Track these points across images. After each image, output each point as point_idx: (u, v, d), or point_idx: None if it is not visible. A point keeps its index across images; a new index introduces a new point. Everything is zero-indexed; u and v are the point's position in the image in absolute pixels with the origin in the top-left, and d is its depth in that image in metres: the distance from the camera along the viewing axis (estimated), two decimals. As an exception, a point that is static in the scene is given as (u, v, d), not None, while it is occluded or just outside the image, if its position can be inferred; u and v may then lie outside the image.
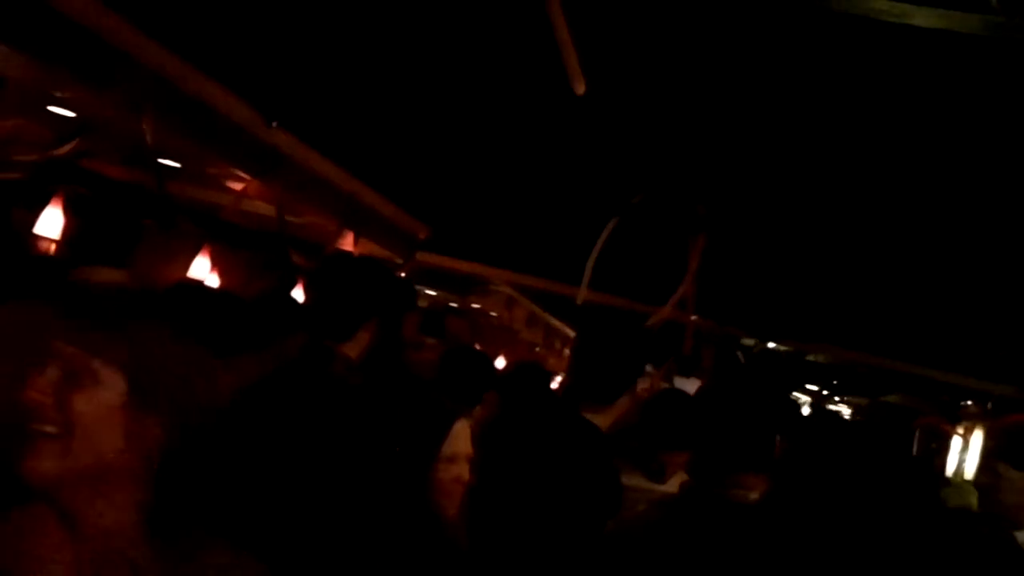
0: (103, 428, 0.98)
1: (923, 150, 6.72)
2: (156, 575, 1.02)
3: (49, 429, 0.96)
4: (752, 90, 6.56)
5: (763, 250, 8.59)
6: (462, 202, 8.64)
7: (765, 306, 9.15)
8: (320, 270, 4.18)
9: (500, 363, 9.52)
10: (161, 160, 6.74)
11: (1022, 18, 4.60)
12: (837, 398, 17.17)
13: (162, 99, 5.41)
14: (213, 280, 7.35)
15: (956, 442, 10.83)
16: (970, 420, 11.16)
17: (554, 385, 6.69)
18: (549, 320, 14.44)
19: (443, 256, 9.49)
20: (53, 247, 5.58)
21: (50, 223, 5.81)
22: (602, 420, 4.17)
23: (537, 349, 15.16)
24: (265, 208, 7.95)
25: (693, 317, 8.77)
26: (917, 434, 8.77)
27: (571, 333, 13.84)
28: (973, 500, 5.24)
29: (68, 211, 5.34)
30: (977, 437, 10.45)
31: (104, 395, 0.98)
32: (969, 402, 11.62)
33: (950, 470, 10.30)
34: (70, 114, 6.10)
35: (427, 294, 11.43)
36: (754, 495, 3.28)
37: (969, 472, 9.64)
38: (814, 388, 16.20)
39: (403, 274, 8.43)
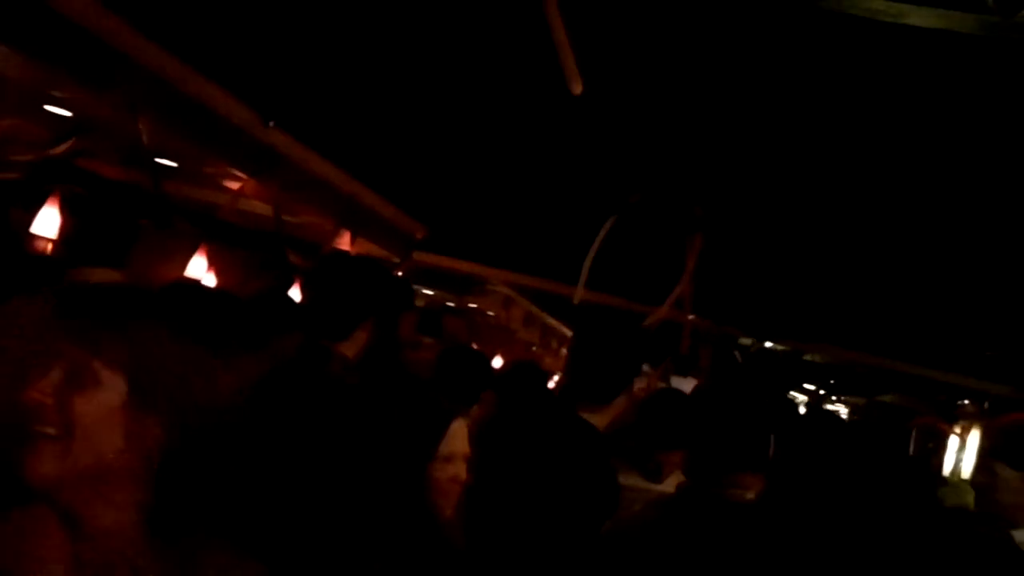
0: (103, 429, 0.98)
1: (919, 150, 6.73)
2: (156, 575, 1.02)
3: (49, 431, 0.96)
4: (748, 90, 6.56)
5: (760, 250, 8.60)
6: (459, 202, 8.64)
7: (762, 306, 9.16)
8: (317, 270, 4.18)
9: (497, 363, 9.53)
10: (157, 159, 6.74)
11: (1018, 18, 4.60)
12: (834, 398, 17.19)
13: (158, 99, 5.41)
14: (210, 280, 7.35)
15: (953, 442, 10.86)
16: (967, 420, 11.18)
17: (551, 385, 6.69)
18: (546, 320, 14.45)
19: (440, 256, 9.49)
20: (50, 247, 5.58)
21: (47, 223, 5.81)
22: (599, 420, 4.18)
23: (534, 349, 15.17)
24: (262, 208, 7.95)
25: (690, 317, 8.77)
26: (914, 433, 8.78)
27: (568, 333, 13.84)
28: (970, 499, 5.26)
29: (64, 211, 5.34)
30: (974, 437, 10.47)
31: (104, 396, 0.98)
32: (966, 402, 11.63)
33: (947, 469, 10.33)
34: (66, 113, 6.09)
35: (424, 294, 11.43)
36: (750, 495, 3.29)
37: (966, 471, 9.66)
38: (811, 388, 16.22)
39: (400, 273, 8.42)
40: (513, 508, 2.21)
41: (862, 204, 7.75)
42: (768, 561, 3.04)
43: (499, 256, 9.52)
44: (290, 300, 4.83)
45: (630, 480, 4.03)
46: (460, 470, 2.87)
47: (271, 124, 6.17)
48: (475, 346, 7.72)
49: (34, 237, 5.65)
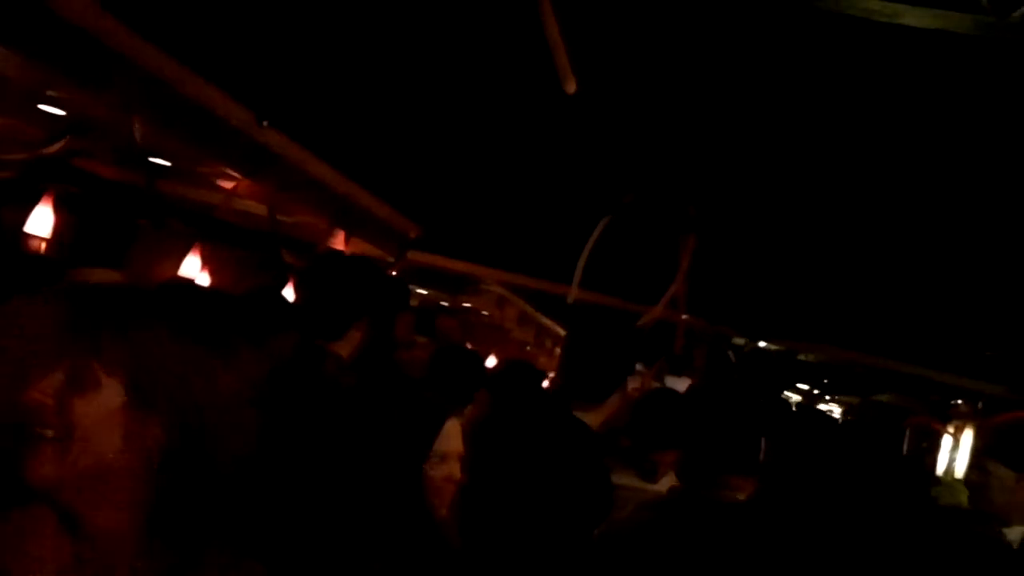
0: (103, 429, 0.98)
1: (914, 150, 6.73)
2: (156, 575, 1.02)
3: (49, 431, 0.96)
4: (743, 90, 6.56)
5: (754, 250, 8.60)
6: (453, 201, 8.64)
7: (756, 305, 9.16)
8: (311, 269, 4.18)
9: (491, 362, 9.53)
10: (152, 159, 6.73)
11: (1013, 18, 4.61)
12: (828, 397, 17.21)
13: (154, 99, 5.41)
14: (204, 279, 7.35)
15: (947, 441, 10.86)
16: (961, 419, 11.19)
17: (545, 384, 6.69)
18: (540, 319, 14.45)
19: (434, 255, 9.49)
20: (43, 245, 5.58)
21: (40, 222, 5.81)
22: (593, 419, 4.17)
23: (528, 348, 15.17)
24: (256, 207, 7.95)
25: (684, 316, 8.78)
26: (908, 433, 8.79)
27: (562, 332, 13.84)
28: (964, 499, 5.26)
29: (58, 210, 5.34)
30: (967, 436, 10.48)
31: (104, 396, 0.98)
32: (960, 401, 11.65)
33: (941, 469, 10.33)
34: (60, 112, 6.09)
35: (418, 293, 11.43)
36: (742, 497, 3.29)
37: (960, 471, 9.66)
38: (805, 387, 16.23)
39: (394, 273, 8.42)
40: (507, 507, 2.21)
41: (856, 204, 7.76)
42: (761, 562, 3.04)
43: (493, 256, 9.52)
44: (284, 300, 4.82)
45: (624, 480, 4.04)
46: (454, 469, 2.87)
47: (265, 124, 6.16)
48: (469, 345, 7.73)
49: (28, 236, 5.65)
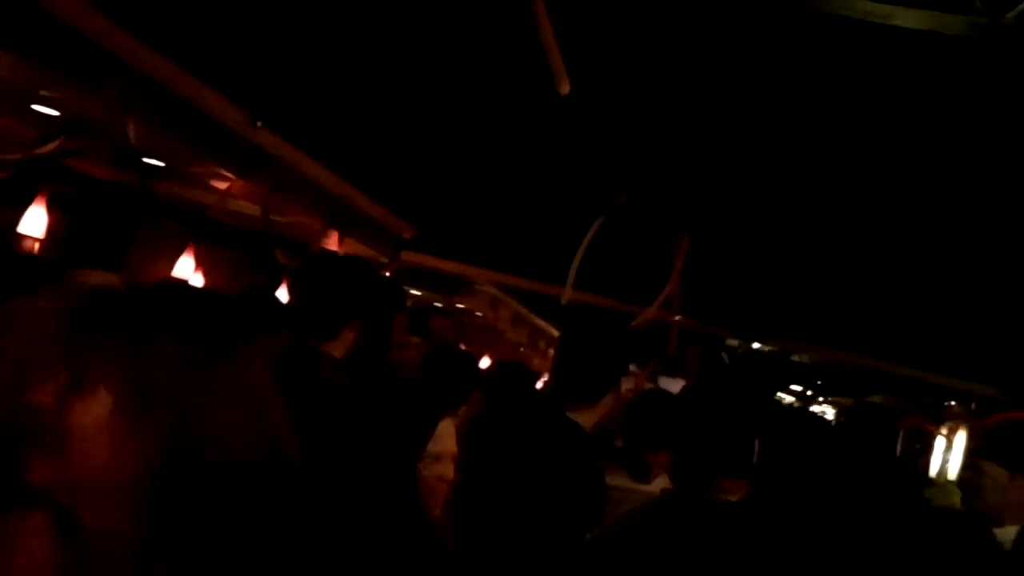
0: (103, 430, 0.98)
1: (908, 151, 6.74)
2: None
3: (49, 433, 0.96)
4: (736, 91, 6.57)
5: (748, 251, 8.61)
6: (447, 202, 8.64)
7: (750, 306, 9.17)
8: (305, 269, 4.19)
9: (485, 363, 9.54)
10: (146, 159, 6.72)
11: (1006, 19, 4.61)
12: (822, 398, 17.24)
13: (148, 99, 5.41)
14: (198, 279, 7.35)
15: (940, 442, 10.89)
16: (954, 420, 11.21)
17: (539, 385, 6.69)
18: (534, 320, 14.45)
19: (428, 256, 9.49)
20: (36, 246, 5.57)
21: (34, 222, 5.81)
22: (586, 420, 4.17)
23: (522, 349, 15.17)
24: (250, 207, 7.94)
25: (678, 317, 8.78)
26: (901, 434, 8.81)
27: (556, 333, 13.85)
28: (957, 500, 5.27)
29: (52, 210, 5.33)
30: (961, 437, 10.49)
31: (105, 397, 0.98)
32: (953, 403, 11.67)
33: (934, 470, 10.36)
34: (54, 113, 6.08)
35: (412, 294, 11.43)
36: (735, 498, 3.29)
37: (953, 472, 9.68)
38: (799, 388, 16.25)
39: (388, 274, 8.42)
40: (500, 507, 2.21)
41: (850, 205, 7.77)
42: (754, 564, 3.04)
43: (488, 256, 9.52)
44: (278, 300, 4.82)
45: (618, 480, 4.04)
46: (448, 469, 2.88)
47: (259, 124, 6.16)
48: (463, 346, 7.73)
49: (21, 236, 5.65)
